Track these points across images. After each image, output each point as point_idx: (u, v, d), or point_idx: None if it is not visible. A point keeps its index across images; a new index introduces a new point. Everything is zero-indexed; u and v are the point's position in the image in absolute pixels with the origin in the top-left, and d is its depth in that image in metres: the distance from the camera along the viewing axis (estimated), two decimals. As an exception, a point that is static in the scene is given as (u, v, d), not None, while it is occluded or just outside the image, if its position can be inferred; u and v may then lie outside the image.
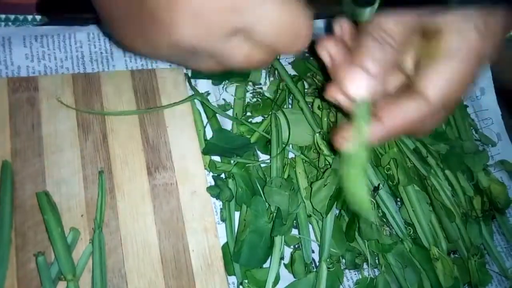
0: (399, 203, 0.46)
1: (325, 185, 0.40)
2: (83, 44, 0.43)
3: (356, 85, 0.28)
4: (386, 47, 0.28)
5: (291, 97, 0.47)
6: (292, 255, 0.41)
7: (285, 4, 0.27)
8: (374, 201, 0.43)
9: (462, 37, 0.28)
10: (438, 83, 0.29)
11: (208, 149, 0.42)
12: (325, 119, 0.45)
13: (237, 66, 0.30)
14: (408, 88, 0.31)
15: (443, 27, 0.29)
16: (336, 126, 0.44)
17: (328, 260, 0.39)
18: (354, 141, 0.28)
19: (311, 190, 0.40)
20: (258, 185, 0.41)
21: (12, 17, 0.41)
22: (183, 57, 0.31)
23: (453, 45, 0.29)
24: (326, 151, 0.43)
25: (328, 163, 0.43)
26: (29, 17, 0.42)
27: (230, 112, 0.45)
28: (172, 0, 0.26)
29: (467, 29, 0.28)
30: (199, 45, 0.28)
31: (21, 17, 0.42)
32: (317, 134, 0.43)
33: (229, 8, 0.26)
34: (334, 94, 0.30)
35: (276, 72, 0.48)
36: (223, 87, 0.47)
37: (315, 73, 0.49)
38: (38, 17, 0.42)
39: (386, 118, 0.30)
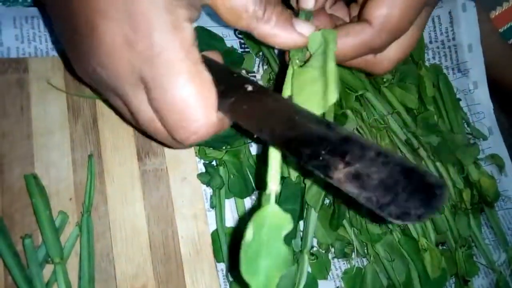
0: (389, 194, 0.46)
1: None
2: (75, 26, 0.43)
3: None
4: None
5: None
6: (281, 243, 0.41)
7: (198, 81, 0.25)
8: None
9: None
10: (380, 8, 0.30)
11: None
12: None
13: (147, 130, 0.28)
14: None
15: None
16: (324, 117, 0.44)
17: (315, 249, 0.39)
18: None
19: (305, 185, 0.40)
20: (249, 173, 0.41)
21: (2, -3, 0.41)
22: (103, 92, 0.30)
23: None
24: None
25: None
26: (20, -2, 0.41)
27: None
28: (91, 32, 0.25)
29: None
30: (106, 81, 0.27)
31: (11, -3, 0.41)
32: None
33: (143, 53, 0.24)
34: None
35: (268, 60, 0.48)
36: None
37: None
38: (29, -2, 0.42)
39: None
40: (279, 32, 0.28)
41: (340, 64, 0.45)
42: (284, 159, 0.27)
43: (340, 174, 0.21)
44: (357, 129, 0.46)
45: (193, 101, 0.25)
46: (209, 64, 0.26)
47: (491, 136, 0.54)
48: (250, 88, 0.27)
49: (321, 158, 0.21)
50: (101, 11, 0.24)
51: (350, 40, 0.31)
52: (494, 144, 0.54)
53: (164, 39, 0.24)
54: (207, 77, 0.26)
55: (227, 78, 0.28)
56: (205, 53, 0.30)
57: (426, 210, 0.19)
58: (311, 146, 0.22)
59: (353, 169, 0.21)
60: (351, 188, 0.20)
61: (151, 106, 0.26)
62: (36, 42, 0.41)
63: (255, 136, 0.25)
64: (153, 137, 0.29)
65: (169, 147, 0.30)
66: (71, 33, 0.27)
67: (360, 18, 0.32)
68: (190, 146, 0.30)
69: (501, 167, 0.53)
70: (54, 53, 0.41)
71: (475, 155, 0.49)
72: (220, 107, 0.26)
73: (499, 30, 0.55)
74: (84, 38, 0.26)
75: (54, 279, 0.33)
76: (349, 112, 0.46)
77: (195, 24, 0.26)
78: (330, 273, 0.42)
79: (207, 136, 0.26)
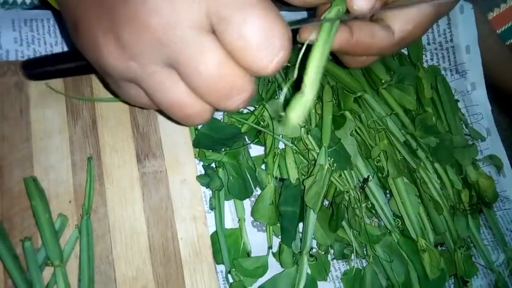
0: (388, 195, 0.46)
1: (314, 182, 0.40)
2: (74, 29, 0.43)
3: None
4: None
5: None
6: (280, 244, 0.41)
7: (227, 63, 0.24)
8: (364, 193, 0.43)
9: None
10: (405, 24, 0.32)
11: (198, 140, 0.41)
12: (313, 110, 0.45)
13: (165, 107, 0.27)
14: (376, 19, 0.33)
15: None
16: (322, 119, 0.44)
17: (314, 250, 0.39)
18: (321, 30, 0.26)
19: (304, 187, 0.41)
20: (248, 174, 0.41)
21: (1, 0, 0.41)
22: (116, 84, 0.28)
23: None
24: (311, 145, 0.43)
25: (314, 157, 0.43)
26: (19, 0, 0.41)
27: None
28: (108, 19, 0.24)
29: None
30: (123, 67, 0.25)
31: (10, 0, 0.41)
32: (303, 129, 0.43)
33: (155, 40, 0.23)
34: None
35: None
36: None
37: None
38: (27, 1, 0.42)
39: (357, 30, 0.31)
40: None
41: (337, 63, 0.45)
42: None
43: None
44: (355, 130, 0.46)
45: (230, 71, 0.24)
46: None
47: (489, 137, 0.55)
48: None
49: None
50: None
51: (371, 42, 0.31)
52: (492, 145, 0.54)
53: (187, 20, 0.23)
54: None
55: None
56: None
57: None
58: None
59: None
60: None
61: (180, 87, 0.25)
62: (35, 44, 0.41)
63: None
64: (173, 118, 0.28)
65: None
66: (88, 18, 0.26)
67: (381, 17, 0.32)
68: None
69: (499, 168, 0.53)
70: (53, 55, 0.41)
71: (473, 156, 0.50)
72: None
73: (497, 31, 0.55)
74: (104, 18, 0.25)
75: (53, 282, 0.33)
76: (347, 113, 0.46)
77: None
78: (329, 274, 0.42)
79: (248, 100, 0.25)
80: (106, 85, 0.39)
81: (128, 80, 0.27)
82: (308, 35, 0.27)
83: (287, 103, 0.23)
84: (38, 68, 0.36)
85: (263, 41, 0.23)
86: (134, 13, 0.23)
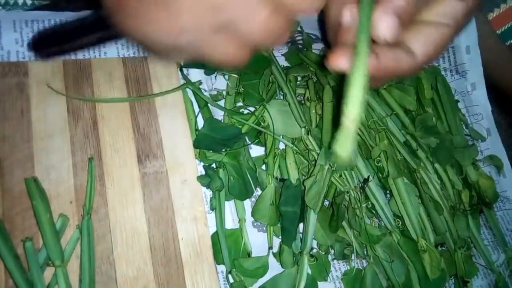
0: (388, 195, 0.46)
1: (315, 182, 0.40)
2: (75, 30, 0.43)
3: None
4: None
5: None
6: (281, 245, 0.41)
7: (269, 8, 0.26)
8: (364, 193, 0.43)
9: (450, 7, 0.31)
10: (426, 46, 0.32)
11: (199, 141, 0.41)
12: (313, 110, 0.45)
13: (220, 63, 0.30)
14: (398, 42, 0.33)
15: None
16: (322, 119, 0.44)
17: (315, 251, 0.39)
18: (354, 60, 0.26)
19: (305, 187, 0.41)
20: (248, 175, 0.42)
21: (2, 1, 0.41)
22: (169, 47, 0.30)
23: (441, 12, 0.31)
24: (311, 146, 0.43)
25: (315, 158, 0.43)
26: (20, 1, 0.42)
27: (222, 102, 0.45)
28: None
29: (457, 2, 0.31)
30: (181, 37, 0.27)
31: (11, 1, 0.41)
32: (303, 129, 0.43)
33: (211, 5, 0.25)
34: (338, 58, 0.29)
35: (268, 63, 0.48)
36: (215, 76, 0.46)
37: (308, 64, 0.49)
38: (28, 2, 0.42)
39: (382, 56, 0.30)
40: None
41: None
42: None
43: None
44: (356, 131, 0.46)
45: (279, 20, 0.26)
46: None
47: (489, 137, 0.55)
48: None
49: None
50: None
51: (396, 66, 0.31)
52: (492, 145, 0.54)
53: None
54: None
55: None
56: None
57: None
58: None
59: None
60: None
61: (233, 44, 0.27)
62: (36, 45, 0.41)
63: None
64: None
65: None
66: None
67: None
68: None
69: (499, 168, 0.53)
70: (54, 56, 0.41)
71: (474, 156, 0.50)
72: None
73: (497, 31, 0.55)
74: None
75: (55, 282, 0.33)
76: (348, 114, 0.46)
77: None
78: (330, 275, 0.42)
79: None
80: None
81: (179, 48, 0.29)
82: (339, 63, 0.28)
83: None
84: (51, 46, 0.35)
85: None
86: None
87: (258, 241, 0.41)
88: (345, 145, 0.22)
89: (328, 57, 0.29)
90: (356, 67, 0.24)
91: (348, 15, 0.30)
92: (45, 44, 0.36)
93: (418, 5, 0.31)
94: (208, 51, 0.29)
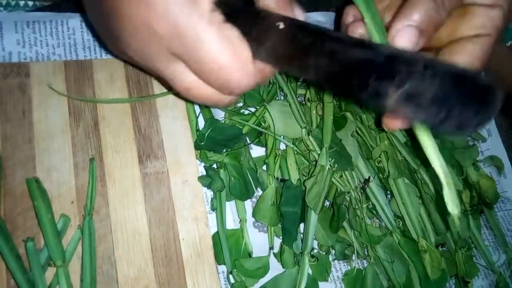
0: (389, 195, 0.46)
1: (315, 183, 0.40)
2: (76, 31, 0.43)
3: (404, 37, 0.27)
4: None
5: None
6: (281, 245, 0.41)
7: (226, 44, 0.26)
8: (365, 194, 0.44)
9: (486, 17, 0.30)
10: (472, 65, 0.31)
11: (200, 141, 0.42)
12: (314, 111, 0.45)
13: (188, 97, 0.30)
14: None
15: (472, 6, 0.30)
16: (323, 120, 0.44)
17: (315, 251, 0.39)
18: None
19: (305, 188, 0.41)
20: (249, 175, 0.42)
21: (3, 2, 0.41)
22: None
23: (480, 24, 0.30)
24: (312, 146, 0.43)
25: (315, 158, 0.43)
26: (21, 3, 0.42)
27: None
28: (120, 15, 0.27)
29: (492, 9, 0.30)
30: (139, 62, 0.29)
31: (12, 2, 0.41)
32: (304, 130, 0.43)
33: (168, 34, 0.26)
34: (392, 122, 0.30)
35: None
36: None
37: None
38: (30, 3, 0.42)
39: None
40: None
41: None
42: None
43: (392, 99, 0.20)
44: (356, 131, 0.46)
45: (228, 62, 0.26)
46: (232, 10, 0.26)
47: (490, 138, 0.55)
48: (281, 25, 0.25)
49: (370, 87, 0.21)
50: None
51: None
52: (493, 145, 0.54)
53: (182, 15, 0.25)
54: (234, 35, 0.26)
55: (255, 21, 0.27)
56: None
57: (482, 118, 0.19)
58: (358, 76, 0.21)
59: (404, 90, 0.20)
60: (405, 111, 0.20)
61: (192, 72, 0.28)
62: (37, 46, 0.41)
63: (301, 80, 0.24)
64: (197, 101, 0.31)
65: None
66: (103, 21, 0.29)
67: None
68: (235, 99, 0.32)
69: (500, 168, 0.53)
70: (55, 57, 0.41)
71: (474, 157, 0.50)
72: (257, 56, 0.26)
73: None
74: (112, 24, 0.28)
75: (56, 282, 0.33)
76: (348, 114, 0.46)
77: None
78: (330, 275, 0.42)
79: (252, 87, 0.28)
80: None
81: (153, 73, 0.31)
82: (395, 125, 0.30)
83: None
84: None
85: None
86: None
87: (259, 242, 0.41)
88: (453, 202, 0.25)
89: (384, 121, 0.30)
90: (426, 139, 0.26)
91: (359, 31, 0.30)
92: None
93: (445, 13, 0.29)
94: (169, 77, 0.29)
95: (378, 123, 0.35)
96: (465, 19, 0.31)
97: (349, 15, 0.31)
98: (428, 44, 0.29)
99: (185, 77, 0.28)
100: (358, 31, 0.30)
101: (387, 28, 0.28)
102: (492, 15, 0.31)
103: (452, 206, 0.25)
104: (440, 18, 0.29)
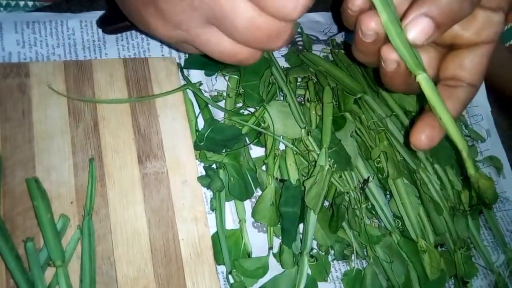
0: (388, 196, 0.46)
1: (315, 183, 0.40)
2: (76, 31, 0.43)
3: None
4: None
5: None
6: (281, 245, 0.41)
7: (259, 15, 0.26)
8: (364, 194, 0.44)
9: (488, 22, 0.30)
10: (474, 74, 0.31)
11: (199, 141, 0.42)
12: (313, 111, 0.45)
13: (218, 58, 0.30)
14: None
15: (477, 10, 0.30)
16: (322, 120, 0.44)
17: (315, 251, 0.40)
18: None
19: (305, 188, 0.41)
20: (249, 175, 0.42)
21: (3, 2, 0.41)
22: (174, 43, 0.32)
23: (482, 29, 0.30)
24: (311, 146, 0.43)
25: (315, 159, 0.43)
26: (21, 3, 0.42)
27: (222, 103, 0.45)
28: None
29: (496, 14, 0.30)
30: (172, 35, 0.30)
31: (12, 3, 0.41)
32: (303, 130, 0.43)
33: (193, 6, 0.26)
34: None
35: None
36: (216, 77, 0.47)
37: (307, 65, 0.49)
38: (30, 3, 0.42)
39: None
40: None
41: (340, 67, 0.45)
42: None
43: None
44: (355, 132, 0.46)
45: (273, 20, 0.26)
46: None
47: (489, 138, 0.55)
48: None
49: None
50: None
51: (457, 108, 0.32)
52: (492, 146, 0.55)
53: None
54: None
55: None
56: None
57: None
58: None
59: None
60: None
61: (224, 39, 0.28)
62: (37, 47, 0.41)
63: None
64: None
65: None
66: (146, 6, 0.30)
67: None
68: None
69: (499, 169, 0.53)
70: (55, 57, 0.41)
71: (473, 157, 0.50)
72: None
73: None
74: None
75: (55, 282, 0.33)
76: (347, 115, 0.46)
77: None
78: (330, 275, 0.42)
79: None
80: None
81: (181, 42, 0.31)
82: (424, 142, 0.31)
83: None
84: (116, 22, 0.40)
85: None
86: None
87: (258, 242, 0.41)
88: (471, 164, 0.29)
89: (411, 140, 0.31)
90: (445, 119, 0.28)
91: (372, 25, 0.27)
92: (111, 21, 0.40)
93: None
94: (201, 44, 0.30)
95: (380, 83, 0.35)
96: (469, 22, 0.30)
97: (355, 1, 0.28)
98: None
99: (220, 42, 0.29)
100: (371, 26, 0.27)
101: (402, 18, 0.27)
102: (494, 19, 0.30)
103: (471, 168, 0.29)
104: (462, 12, 0.27)
